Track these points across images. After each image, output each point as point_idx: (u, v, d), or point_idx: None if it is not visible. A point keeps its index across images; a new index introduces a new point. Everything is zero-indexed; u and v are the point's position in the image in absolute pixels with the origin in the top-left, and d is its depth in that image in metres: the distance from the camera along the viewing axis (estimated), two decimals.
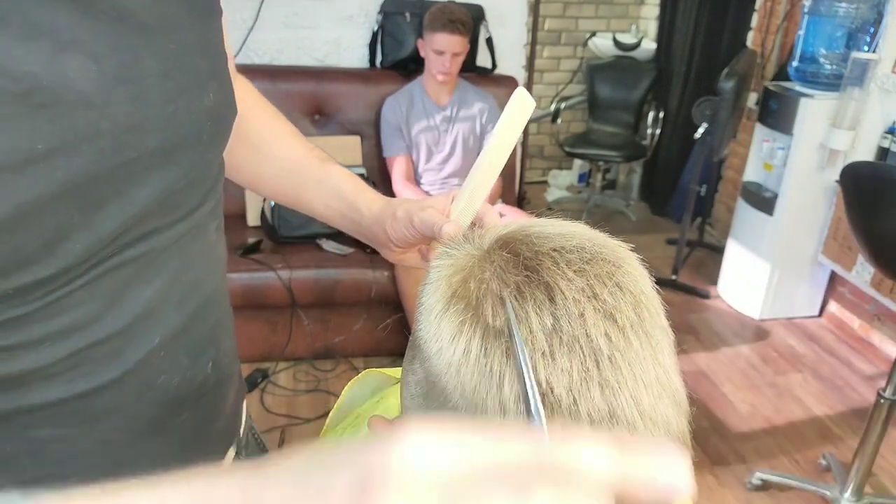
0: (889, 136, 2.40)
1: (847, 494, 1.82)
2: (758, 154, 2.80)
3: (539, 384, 0.32)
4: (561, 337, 0.33)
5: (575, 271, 0.35)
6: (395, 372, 0.57)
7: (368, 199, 0.69)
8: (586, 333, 0.33)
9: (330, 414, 0.63)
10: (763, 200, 2.73)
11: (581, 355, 0.32)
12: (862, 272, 2.48)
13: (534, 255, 0.36)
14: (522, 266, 0.35)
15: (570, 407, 0.32)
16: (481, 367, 0.33)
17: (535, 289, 0.34)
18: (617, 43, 3.89)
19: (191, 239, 0.53)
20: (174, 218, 0.50)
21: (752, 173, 2.84)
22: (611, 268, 0.36)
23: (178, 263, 0.52)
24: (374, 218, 0.65)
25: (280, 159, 0.82)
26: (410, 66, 2.65)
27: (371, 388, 0.60)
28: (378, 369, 0.63)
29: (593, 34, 4.09)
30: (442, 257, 0.39)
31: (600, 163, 3.84)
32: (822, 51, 2.55)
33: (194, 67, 0.49)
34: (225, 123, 0.57)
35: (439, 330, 0.36)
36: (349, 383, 0.62)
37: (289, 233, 2.42)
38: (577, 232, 0.38)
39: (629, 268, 0.37)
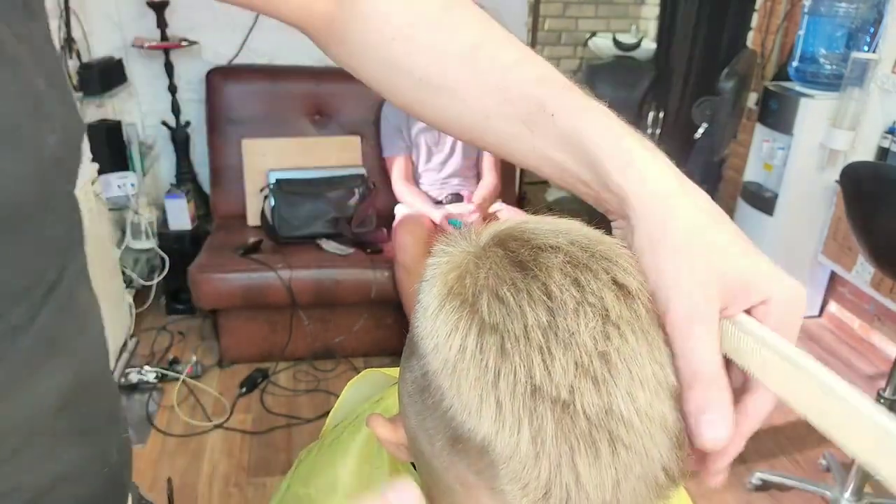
0: (889, 136, 2.39)
1: (847, 494, 1.82)
2: (758, 154, 2.80)
3: (535, 380, 0.32)
4: (556, 333, 0.33)
5: (571, 267, 0.35)
6: (395, 372, 0.57)
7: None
8: (582, 329, 0.33)
9: (330, 414, 0.63)
10: (763, 200, 2.73)
11: (577, 352, 0.32)
12: (862, 272, 2.48)
13: (530, 251, 0.36)
14: (518, 263, 0.35)
15: (567, 404, 0.32)
16: (477, 363, 0.33)
17: (530, 284, 0.34)
18: (617, 43, 3.88)
19: (58, 311, 0.39)
20: None
21: (752, 173, 2.84)
22: (606, 264, 0.35)
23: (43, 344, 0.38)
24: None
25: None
26: None
27: (371, 387, 0.60)
28: (378, 369, 0.63)
29: (593, 34, 4.09)
30: (438, 255, 0.38)
31: None
32: (822, 51, 2.55)
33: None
34: (75, 162, 0.40)
35: (435, 327, 0.35)
36: (349, 383, 0.62)
37: (289, 233, 2.42)
38: (573, 229, 0.38)
39: (624, 263, 0.36)
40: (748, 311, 0.34)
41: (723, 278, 0.34)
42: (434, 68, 0.44)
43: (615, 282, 0.35)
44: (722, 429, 0.33)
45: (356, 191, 2.51)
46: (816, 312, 2.89)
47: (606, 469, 0.32)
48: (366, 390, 0.60)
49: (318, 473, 0.52)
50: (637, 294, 0.35)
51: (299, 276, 2.26)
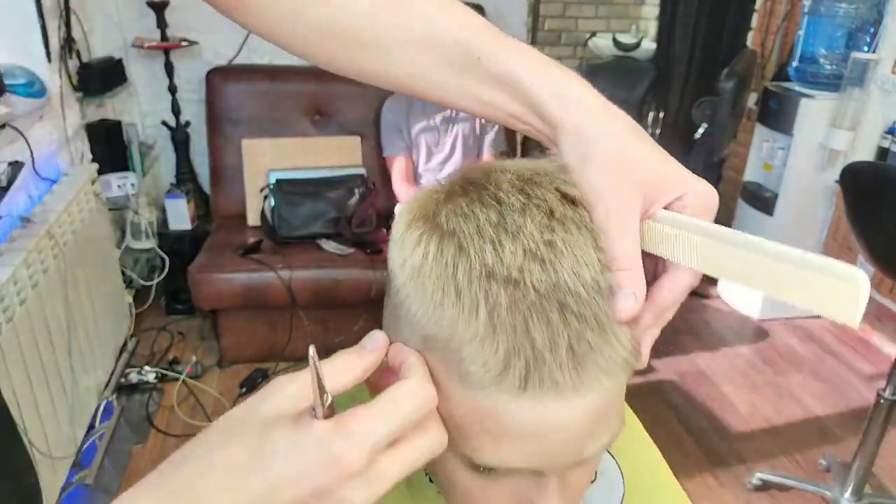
0: (889, 136, 2.40)
1: (847, 495, 1.82)
2: (758, 154, 2.80)
3: (489, 265, 0.37)
4: (506, 228, 0.37)
5: (518, 180, 0.40)
6: None
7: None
8: (528, 223, 0.37)
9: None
10: (763, 200, 2.73)
11: (524, 241, 0.37)
12: None
13: (482, 174, 0.41)
14: (472, 183, 0.41)
15: (518, 281, 0.36)
16: (437, 262, 0.38)
17: (481, 194, 0.39)
18: (617, 43, 3.88)
19: None
20: None
21: (752, 173, 2.84)
22: (550, 178, 0.40)
23: None
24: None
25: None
26: None
27: None
28: None
29: (593, 34, 4.09)
30: (408, 201, 0.43)
31: None
32: (822, 51, 2.55)
33: None
34: None
35: (403, 247, 0.40)
36: None
37: (289, 233, 2.42)
38: (523, 162, 0.43)
39: (566, 178, 0.40)
40: (667, 207, 0.40)
41: (643, 183, 0.39)
42: (356, 24, 0.46)
43: (559, 190, 0.39)
44: (631, 301, 0.37)
45: (356, 191, 2.51)
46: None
47: (559, 335, 0.36)
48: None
49: None
50: (580, 201, 0.39)
51: (299, 276, 2.26)
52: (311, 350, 0.37)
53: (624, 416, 0.42)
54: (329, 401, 0.36)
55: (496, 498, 0.42)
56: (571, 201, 0.39)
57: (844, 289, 0.33)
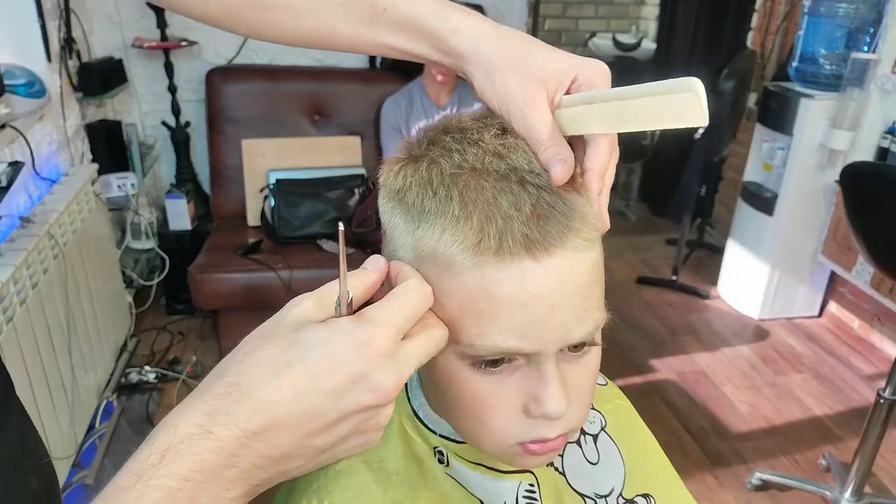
0: (889, 136, 2.39)
1: (847, 494, 1.82)
2: (758, 154, 2.80)
3: (456, 164, 0.44)
4: (469, 140, 0.45)
5: (474, 117, 0.48)
6: None
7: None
8: (485, 136, 0.45)
9: None
10: (763, 200, 2.73)
11: (483, 146, 0.45)
12: (862, 272, 2.48)
13: (444, 121, 0.48)
14: (436, 128, 0.48)
15: (481, 170, 0.43)
16: (418, 179, 0.45)
17: (446, 127, 0.47)
18: (617, 43, 3.89)
19: None
20: None
21: (751, 173, 2.84)
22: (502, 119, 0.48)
23: None
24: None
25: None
26: (410, 67, 2.65)
27: None
28: None
29: (593, 34, 4.09)
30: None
31: None
32: (822, 51, 2.55)
33: None
34: None
35: (386, 184, 0.47)
36: None
37: (289, 233, 2.42)
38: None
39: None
40: (567, 92, 0.46)
41: (542, 79, 0.46)
42: None
43: (502, 122, 0.47)
44: (561, 164, 0.43)
45: (356, 191, 2.51)
46: (816, 312, 2.89)
47: (522, 200, 0.42)
48: None
49: None
50: None
51: (299, 276, 2.26)
52: (340, 226, 0.41)
53: (604, 309, 0.46)
54: (350, 298, 0.40)
55: (504, 398, 0.45)
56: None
57: (687, 99, 0.38)
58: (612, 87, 0.46)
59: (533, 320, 0.42)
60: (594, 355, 0.47)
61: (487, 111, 0.49)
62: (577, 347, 0.45)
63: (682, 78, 0.38)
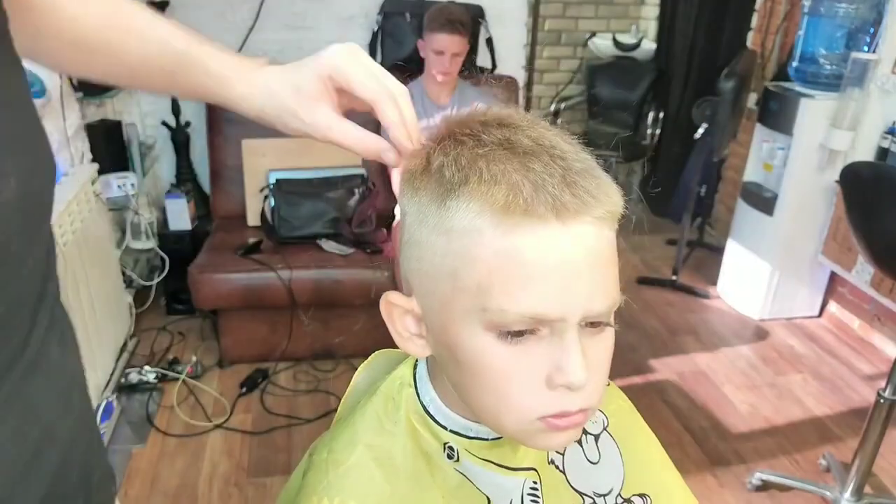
0: (889, 136, 2.39)
1: (847, 494, 1.82)
2: (758, 154, 2.80)
3: (483, 141, 0.46)
4: (493, 124, 0.47)
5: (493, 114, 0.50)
6: (401, 352, 0.58)
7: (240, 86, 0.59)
8: (512, 119, 0.48)
9: (343, 399, 0.64)
10: (763, 201, 2.73)
11: (508, 127, 0.47)
12: (862, 272, 2.48)
13: (463, 119, 0.50)
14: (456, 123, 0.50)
15: (509, 143, 0.45)
16: (443, 157, 0.46)
17: (467, 123, 0.49)
18: (617, 43, 3.88)
19: (28, 377, 0.41)
20: None
21: (752, 173, 2.84)
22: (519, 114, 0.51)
23: (16, 419, 0.40)
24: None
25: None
26: (410, 67, 2.65)
27: (380, 369, 0.61)
28: (384, 350, 0.63)
29: (593, 34, 4.09)
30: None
31: (600, 163, 3.83)
32: (822, 51, 2.55)
33: None
34: (40, 215, 0.44)
35: (418, 166, 0.49)
36: (359, 368, 0.64)
37: (289, 233, 2.42)
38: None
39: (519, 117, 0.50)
40: (342, 91, 0.53)
41: (317, 96, 0.53)
42: (88, 35, 0.56)
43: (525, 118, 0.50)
44: (388, 153, 0.52)
45: (356, 191, 2.51)
46: (816, 312, 2.89)
47: (552, 168, 0.43)
48: (377, 372, 0.61)
49: (339, 437, 0.55)
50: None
51: (299, 276, 2.26)
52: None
53: (619, 291, 0.48)
54: None
55: (527, 369, 0.45)
56: (538, 120, 0.49)
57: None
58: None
59: (560, 285, 0.43)
60: (610, 334, 0.49)
61: (502, 110, 0.50)
62: (594, 325, 0.47)
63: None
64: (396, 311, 0.51)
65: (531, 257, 0.43)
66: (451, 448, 0.53)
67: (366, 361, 0.64)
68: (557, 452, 0.57)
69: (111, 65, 0.58)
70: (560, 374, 0.44)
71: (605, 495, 0.58)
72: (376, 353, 0.64)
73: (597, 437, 0.61)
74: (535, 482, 0.54)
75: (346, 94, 0.53)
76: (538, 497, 0.54)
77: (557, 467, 0.57)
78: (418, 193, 0.47)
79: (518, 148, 0.44)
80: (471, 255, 0.44)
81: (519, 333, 0.44)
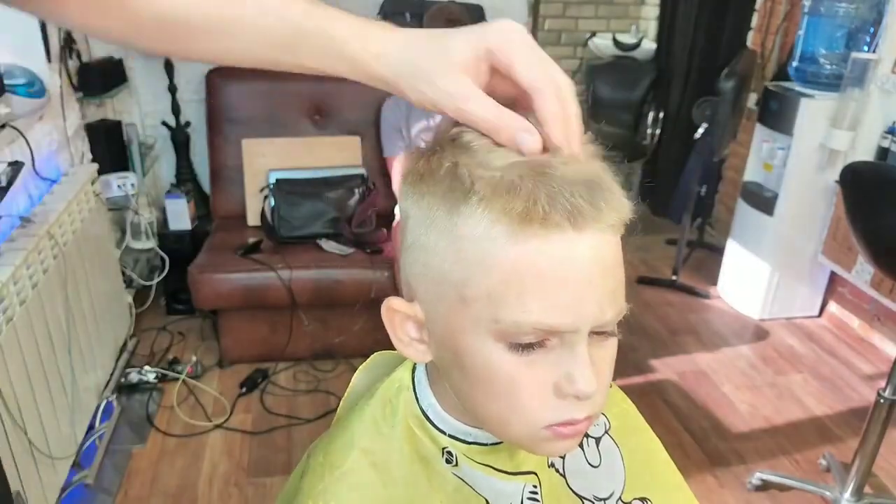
0: (889, 136, 2.39)
1: (847, 495, 1.82)
2: (758, 154, 2.80)
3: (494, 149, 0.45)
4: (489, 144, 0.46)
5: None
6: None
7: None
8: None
9: (342, 399, 0.64)
10: (763, 200, 2.73)
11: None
12: (862, 272, 2.48)
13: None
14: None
15: (520, 161, 0.44)
16: (453, 158, 0.45)
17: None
18: (617, 43, 3.88)
19: None
20: None
21: (752, 173, 2.84)
22: None
23: None
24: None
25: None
26: None
27: (380, 370, 0.61)
28: (384, 351, 0.63)
29: (593, 34, 4.09)
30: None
31: (609, 166, 3.82)
32: (822, 51, 2.55)
33: None
34: None
35: (425, 168, 0.47)
36: (359, 368, 0.64)
37: (289, 233, 2.42)
38: None
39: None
40: (495, 71, 0.47)
41: (463, 66, 0.46)
42: (189, 12, 0.50)
43: None
44: (527, 135, 0.44)
45: (356, 191, 2.51)
46: (816, 312, 2.89)
47: (565, 174, 0.42)
48: (376, 374, 0.61)
49: (335, 440, 0.54)
50: None
51: (299, 276, 2.26)
52: None
53: (624, 301, 0.47)
54: None
55: (537, 378, 0.45)
56: None
57: None
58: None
59: (575, 295, 0.43)
60: (614, 342, 0.49)
61: None
62: (601, 333, 0.46)
63: None
64: (398, 316, 0.51)
65: (546, 266, 0.42)
66: (449, 453, 0.52)
67: (364, 363, 0.64)
68: (558, 456, 0.57)
69: (219, 42, 0.51)
70: (570, 384, 0.44)
71: (605, 499, 0.58)
72: (375, 354, 0.64)
73: (598, 441, 0.60)
74: (534, 486, 0.54)
75: (497, 77, 0.47)
76: (538, 501, 0.54)
77: (557, 471, 0.57)
78: (425, 197, 0.46)
79: (534, 163, 0.43)
80: (484, 265, 0.43)
81: (529, 345, 0.44)
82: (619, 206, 0.44)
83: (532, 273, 0.42)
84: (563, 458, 0.58)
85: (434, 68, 0.46)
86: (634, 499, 0.59)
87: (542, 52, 0.47)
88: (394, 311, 0.50)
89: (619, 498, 0.59)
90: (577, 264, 0.43)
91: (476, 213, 0.43)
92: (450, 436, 0.52)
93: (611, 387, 0.66)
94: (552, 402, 0.45)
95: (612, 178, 0.46)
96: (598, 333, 0.46)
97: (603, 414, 0.62)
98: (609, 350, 0.48)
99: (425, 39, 0.48)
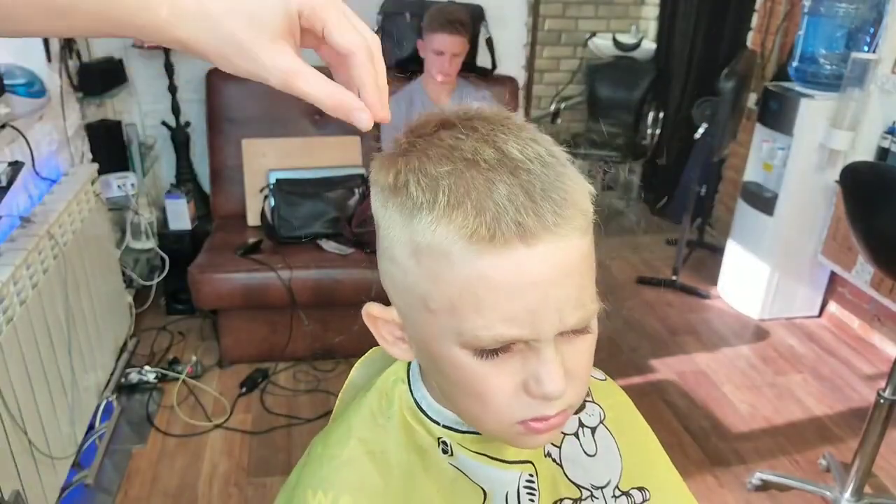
0: (889, 136, 2.39)
1: (847, 495, 1.82)
2: (758, 154, 2.80)
3: (448, 156, 0.44)
4: (459, 133, 0.45)
5: (462, 112, 0.47)
6: None
7: None
8: (478, 126, 0.45)
9: (339, 394, 0.64)
10: (763, 200, 2.73)
11: (476, 136, 0.44)
12: (862, 272, 2.48)
13: (433, 116, 0.48)
14: (426, 124, 0.47)
15: (473, 160, 0.43)
16: (409, 171, 0.44)
17: (438, 123, 0.47)
18: (617, 43, 3.89)
19: None
20: None
21: (752, 173, 2.84)
22: (491, 111, 0.48)
23: None
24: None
25: None
26: (411, 67, 2.65)
27: (378, 365, 0.61)
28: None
29: (593, 34, 4.09)
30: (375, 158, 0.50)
31: (600, 163, 3.84)
32: (822, 51, 2.55)
33: None
34: None
35: (377, 181, 0.47)
36: (357, 363, 0.65)
37: (289, 233, 2.42)
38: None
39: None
40: (311, 28, 0.45)
41: (281, 32, 0.43)
42: None
43: (492, 115, 0.47)
44: (364, 116, 0.44)
45: (356, 191, 2.51)
46: (816, 312, 2.89)
47: (515, 189, 0.42)
48: (373, 369, 0.61)
49: (334, 432, 0.55)
50: (510, 112, 0.48)
51: (299, 276, 2.26)
52: None
53: (597, 299, 0.47)
54: None
55: (505, 379, 0.46)
56: (507, 117, 0.47)
57: None
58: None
59: (530, 308, 0.43)
60: (591, 338, 0.49)
61: (469, 107, 0.49)
62: (572, 332, 0.46)
63: None
64: (378, 320, 0.52)
65: (499, 280, 0.42)
66: (444, 443, 0.53)
67: (363, 357, 0.65)
68: (553, 445, 0.58)
69: None
70: (537, 385, 0.45)
71: (602, 488, 0.59)
72: (373, 349, 0.64)
73: (594, 430, 0.61)
74: (531, 475, 0.55)
75: (308, 38, 0.46)
76: (535, 490, 0.54)
77: (554, 460, 0.58)
78: (387, 208, 0.47)
79: (482, 162, 0.43)
80: (440, 278, 0.44)
81: (494, 351, 0.45)
82: (574, 211, 0.44)
83: (487, 287, 0.42)
84: (558, 447, 0.58)
85: (243, 39, 0.42)
86: (632, 488, 0.60)
87: (348, 8, 0.46)
88: (373, 317, 0.52)
89: (616, 486, 0.59)
90: (531, 277, 0.42)
91: (428, 230, 0.43)
92: (444, 426, 0.53)
93: (605, 380, 0.66)
94: (523, 399, 0.46)
95: (570, 173, 0.45)
96: (568, 333, 0.46)
97: (598, 404, 0.63)
98: (583, 345, 0.48)
99: (225, 2, 0.42)
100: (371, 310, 0.52)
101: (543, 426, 0.47)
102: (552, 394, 0.45)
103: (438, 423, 0.53)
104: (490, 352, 0.45)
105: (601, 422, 0.62)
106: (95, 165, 2.26)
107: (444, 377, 0.49)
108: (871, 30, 2.45)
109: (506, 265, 0.42)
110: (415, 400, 0.55)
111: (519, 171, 0.43)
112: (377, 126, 0.49)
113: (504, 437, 0.50)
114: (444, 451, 0.53)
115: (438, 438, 0.53)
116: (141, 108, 2.77)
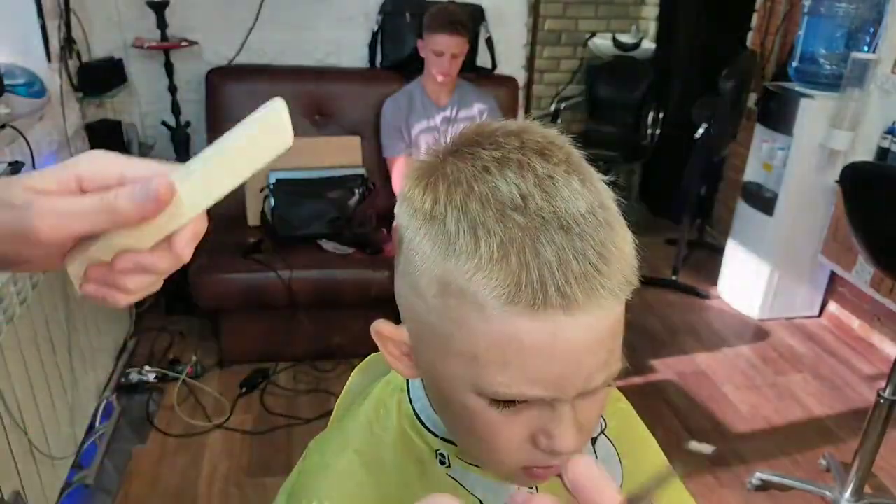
0: (889, 136, 2.39)
1: (847, 495, 1.82)
2: (757, 154, 2.80)
3: (496, 195, 0.40)
4: (509, 163, 0.41)
5: (509, 131, 0.44)
6: None
7: None
8: (530, 159, 0.42)
9: (338, 399, 0.64)
10: (763, 200, 2.73)
11: (526, 175, 0.41)
12: (862, 272, 2.48)
13: (476, 130, 0.46)
14: (469, 138, 0.45)
15: (523, 208, 0.40)
16: (449, 201, 0.42)
17: (481, 141, 0.44)
18: (617, 43, 3.88)
19: None
20: None
21: (751, 173, 2.84)
22: (535, 127, 0.45)
23: None
24: None
25: None
26: (411, 67, 2.65)
27: (377, 371, 0.61)
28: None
29: (593, 34, 4.09)
30: (413, 164, 0.47)
31: (600, 163, 3.82)
32: (822, 51, 2.55)
33: None
34: None
35: (412, 199, 0.44)
36: (356, 368, 0.64)
37: (289, 233, 2.42)
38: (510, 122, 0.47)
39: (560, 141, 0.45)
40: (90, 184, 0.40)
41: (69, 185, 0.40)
42: None
43: (551, 140, 0.44)
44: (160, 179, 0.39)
45: (356, 191, 2.51)
46: (816, 312, 2.89)
47: (565, 253, 0.39)
48: (372, 375, 0.61)
49: (331, 441, 0.56)
50: (571, 151, 0.45)
51: (299, 276, 2.26)
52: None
53: (621, 359, 0.45)
54: None
55: (516, 429, 0.44)
56: (559, 147, 0.44)
57: (271, 118, 0.37)
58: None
59: (560, 373, 0.41)
60: (608, 390, 0.48)
61: (522, 122, 0.46)
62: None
63: (264, 108, 0.37)
64: (388, 339, 0.50)
65: (530, 344, 0.40)
66: (442, 455, 0.53)
67: (361, 364, 0.64)
68: None
69: None
70: (548, 440, 0.44)
71: None
72: (372, 355, 0.64)
73: (594, 441, 0.61)
74: (530, 486, 0.54)
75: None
76: None
77: None
78: (418, 234, 0.43)
79: (533, 214, 0.40)
80: (467, 327, 0.41)
81: (510, 402, 0.43)
82: (620, 284, 0.41)
83: (517, 348, 0.40)
84: None
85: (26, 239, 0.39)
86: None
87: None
88: (383, 336, 0.50)
89: None
90: (567, 345, 0.40)
91: (463, 276, 0.40)
92: (442, 438, 0.53)
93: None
94: (528, 448, 0.45)
95: (619, 229, 0.42)
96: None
97: None
98: (599, 397, 0.47)
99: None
100: (381, 328, 0.49)
101: (545, 473, 0.47)
102: (563, 451, 0.43)
103: (437, 435, 0.53)
104: (505, 403, 0.43)
105: (602, 432, 0.62)
106: None
107: (451, 415, 0.48)
108: (871, 30, 2.45)
109: (542, 331, 0.40)
110: (414, 411, 0.54)
111: (571, 231, 0.40)
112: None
113: (502, 477, 0.50)
114: (442, 463, 0.53)
115: (436, 450, 0.53)
116: (141, 108, 2.77)
